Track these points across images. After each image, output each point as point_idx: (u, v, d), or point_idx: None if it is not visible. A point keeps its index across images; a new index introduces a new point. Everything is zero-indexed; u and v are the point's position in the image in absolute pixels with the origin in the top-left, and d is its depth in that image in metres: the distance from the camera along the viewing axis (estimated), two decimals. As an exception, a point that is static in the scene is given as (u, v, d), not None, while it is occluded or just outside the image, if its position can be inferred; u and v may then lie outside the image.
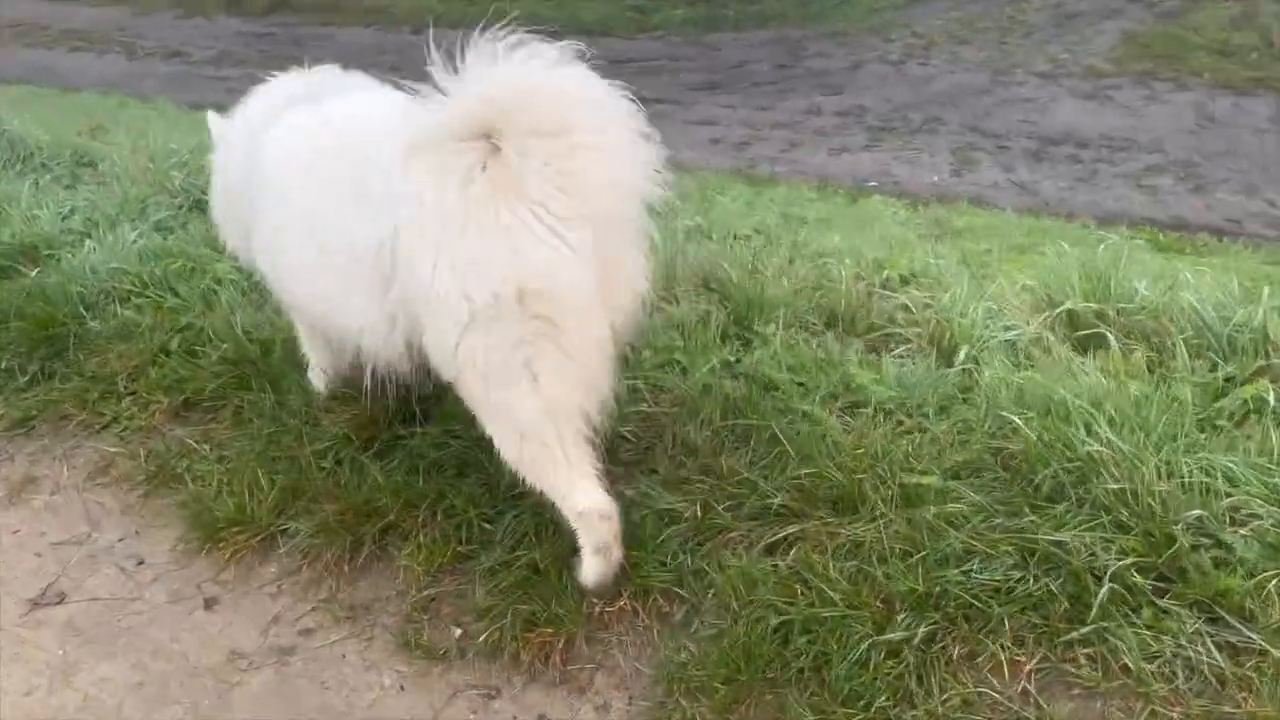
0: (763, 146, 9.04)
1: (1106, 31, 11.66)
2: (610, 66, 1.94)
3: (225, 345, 2.95)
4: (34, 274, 3.45)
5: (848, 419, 2.49)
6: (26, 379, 3.03)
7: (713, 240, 3.81)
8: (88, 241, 3.68)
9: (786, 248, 3.57)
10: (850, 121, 9.51)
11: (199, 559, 2.38)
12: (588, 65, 1.89)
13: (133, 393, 2.92)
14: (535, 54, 1.81)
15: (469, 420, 2.13)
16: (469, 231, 1.81)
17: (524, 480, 2.08)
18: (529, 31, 1.85)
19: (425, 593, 2.20)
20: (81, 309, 3.22)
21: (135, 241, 3.64)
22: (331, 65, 2.55)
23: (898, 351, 2.79)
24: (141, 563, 2.42)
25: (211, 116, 2.74)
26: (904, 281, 3.21)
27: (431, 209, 1.83)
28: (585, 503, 2.01)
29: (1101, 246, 3.40)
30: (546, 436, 1.94)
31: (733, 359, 2.74)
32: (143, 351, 3.02)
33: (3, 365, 3.06)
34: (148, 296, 3.28)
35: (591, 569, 2.07)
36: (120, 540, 2.49)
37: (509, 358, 1.86)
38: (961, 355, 2.70)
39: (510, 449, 2.02)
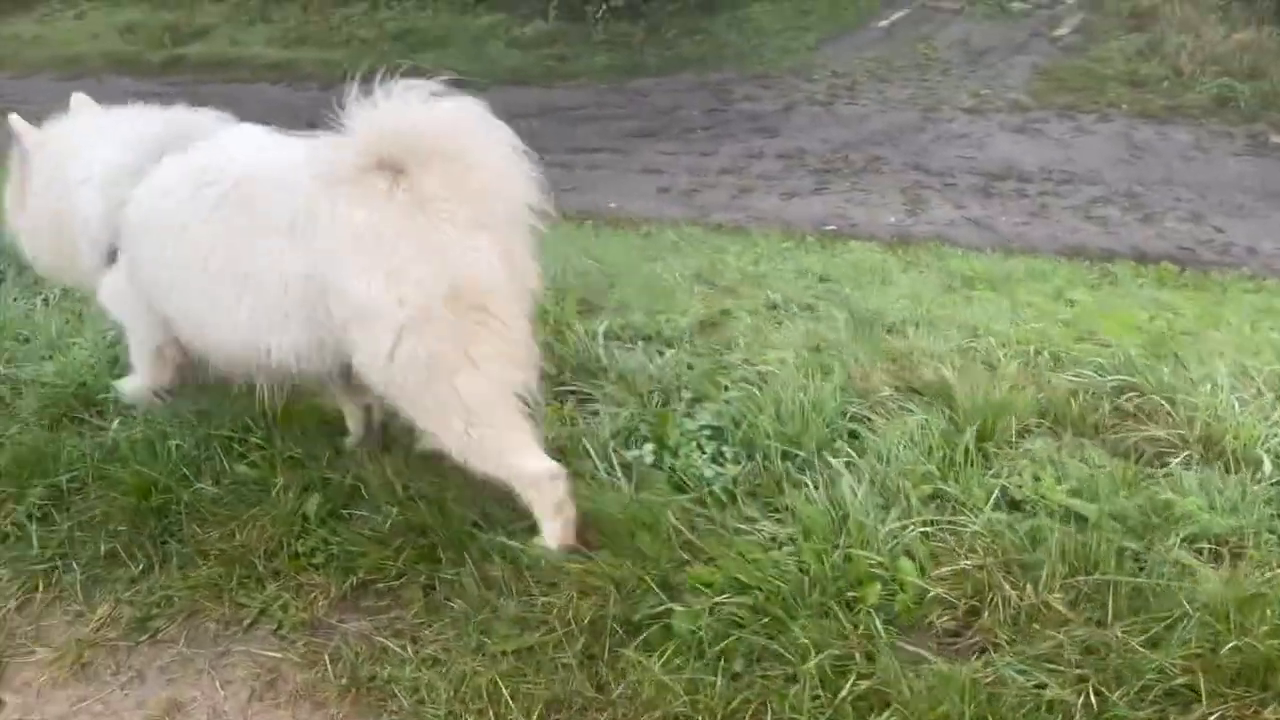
0: (712, 194, 8.84)
1: (1018, 66, 11.97)
2: (538, 116, 1.79)
3: (391, 509, 2.31)
4: (114, 426, 2.72)
5: (1196, 559, 2.07)
6: (140, 566, 2.31)
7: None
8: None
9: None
10: (794, 164, 9.41)
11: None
12: (513, 114, 2.18)
13: (277, 574, 2.27)
14: (427, 92, 2.06)
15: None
16: (397, 246, 2.04)
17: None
18: (451, 81, 2.11)
19: None
20: (183, 467, 2.52)
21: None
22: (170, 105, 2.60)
23: (1178, 460, 2.36)
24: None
25: (17, 120, 2.63)
26: (1074, 362, 2.83)
27: (356, 231, 2.04)
28: (536, 467, 2.19)
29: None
30: (494, 416, 2.13)
31: (1008, 485, 2.25)
32: (275, 519, 2.36)
33: (102, 550, 2.33)
34: (259, 443, 2.58)
35: (552, 531, 2.22)
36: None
37: (449, 351, 2.06)
38: (1268, 465, 2.29)
39: (456, 438, 2.17)
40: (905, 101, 10.98)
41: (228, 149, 2.37)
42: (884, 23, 13.97)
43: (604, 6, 12.74)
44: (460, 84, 2.06)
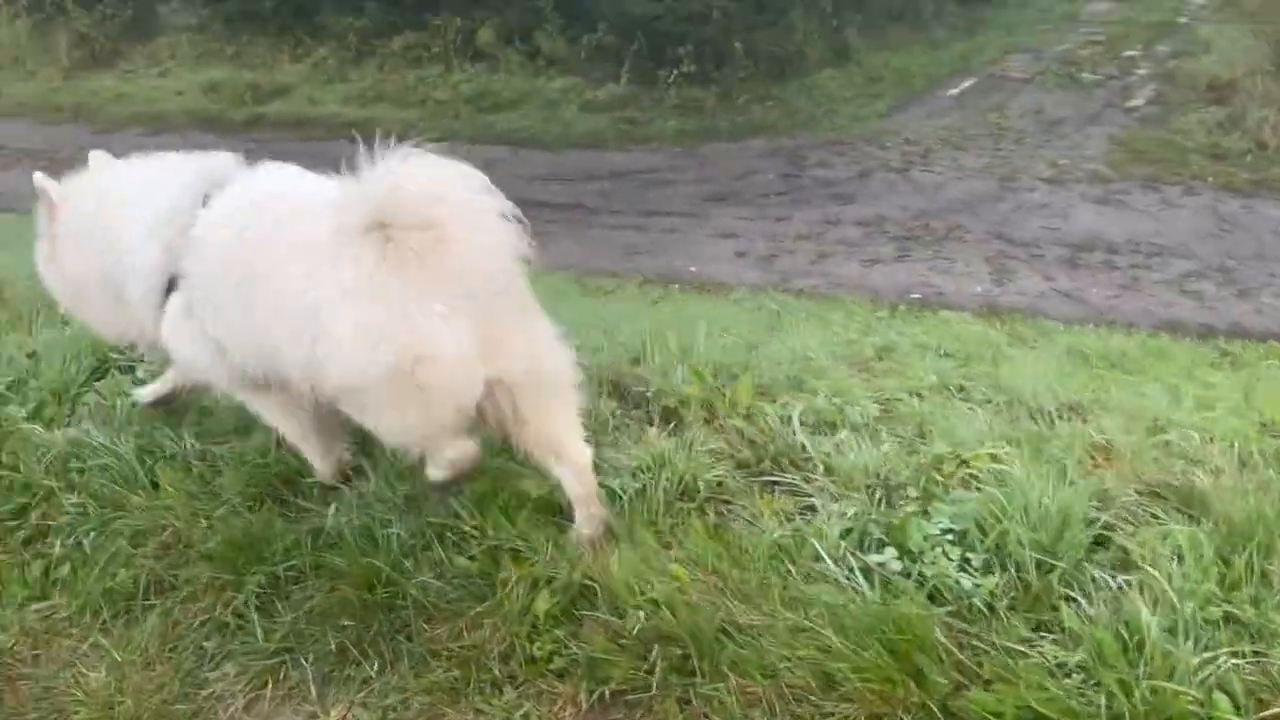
0: (790, 259, 8.79)
1: (1093, 137, 11.88)
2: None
3: (636, 612, 2.15)
4: (330, 512, 2.59)
5: None
6: (374, 665, 2.19)
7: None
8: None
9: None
10: (873, 231, 9.35)
11: None
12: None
13: (513, 678, 2.13)
14: (419, 158, 2.14)
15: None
16: (368, 306, 2.18)
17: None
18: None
19: None
20: (403, 558, 2.41)
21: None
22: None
23: None
24: None
25: (42, 178, 2.75)
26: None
27: (342, 287, 2.18)
28: (452, 453, 2.40)
29: None
30: (436, 435, 2.35)
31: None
32: (505, 618, 2.23)
33: (332, 645, 2.23)
34: (473, 533, 2.46)
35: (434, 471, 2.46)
36: None
37: (399, 407, 2.25)
38: None
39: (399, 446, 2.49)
40: (981, 170, 10.92)
41: (268, 186, 2.56)
42: (954, 91, 13.99)
43: (675, 72, 12.89)
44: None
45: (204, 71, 15.32)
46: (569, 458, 2.44)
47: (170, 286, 2.56)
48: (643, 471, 2.60)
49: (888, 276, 8.32)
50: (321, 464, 2.75)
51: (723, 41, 12.90)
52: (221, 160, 2.70)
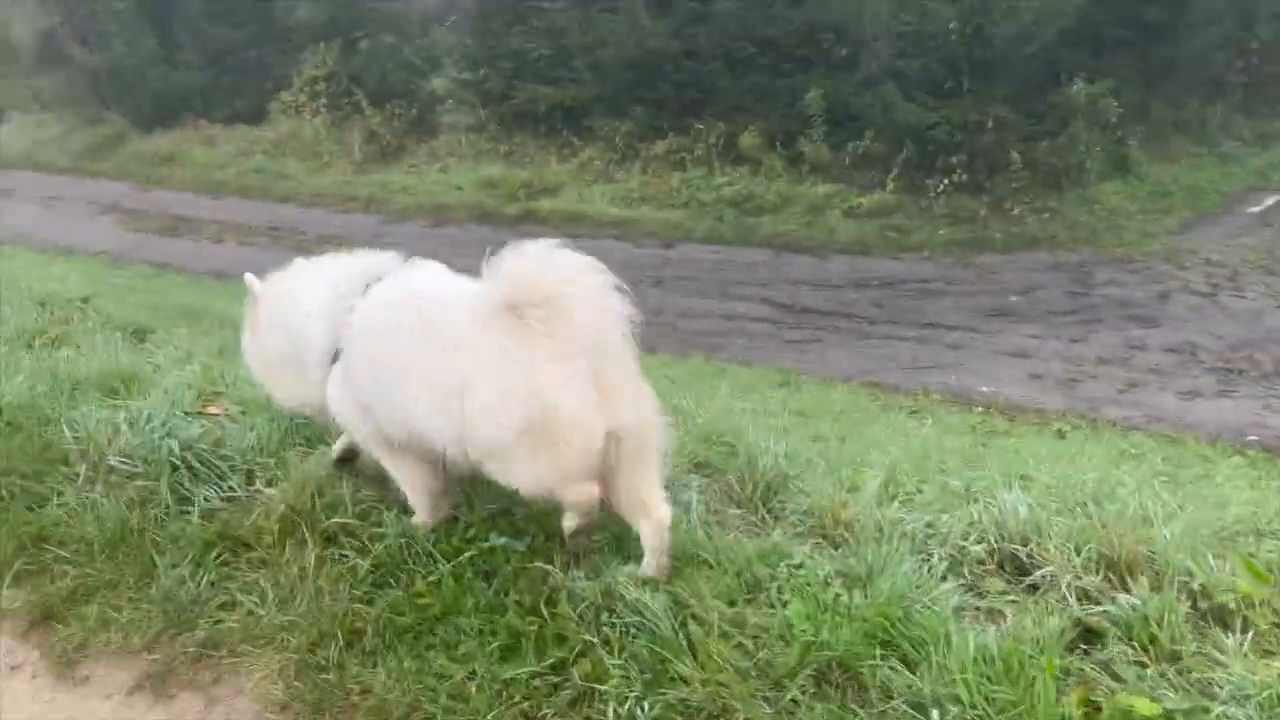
0: (1094, 385, 8.16)
1: None
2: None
3: None
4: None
5: None
6: None
7: None
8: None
9: None
10: (1185, 360, 8.56)
11: None
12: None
13: None
14: (542, 248, 2.59)
15: None
16: (509, 369, 2.59)
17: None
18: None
19: None
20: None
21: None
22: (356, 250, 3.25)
23: None
24: None
25: (251, 278, 3.34)
26: None
27: (484, 355, 2.63)
28: (573, 494, 2.68)
29: None
30: (567, 485, 2.66)
31: None
32: None
33: None
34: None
35: (569, 521, 2.75)
36: None
37: (533, 458, 2.62)
38: None
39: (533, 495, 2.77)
40: (1304, 297, 9.87)
41: (418, 282, 3.02)
42: (1256, 209, 12.89)
43: (946, 181, 12.58)
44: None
45: (480, 168, 16.44)
46: (653, 512, 2.70)
47: (335, 359, 3.06)
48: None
49: (1212, 413, 7.52)
50: (428, 516, 3.09)
51: (998, 151, 12.48)
52: (383, 258, 3.20)
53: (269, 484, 3.35)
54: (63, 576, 2.97)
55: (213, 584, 2.87)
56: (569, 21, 16.46)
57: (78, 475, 3.38)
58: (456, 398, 2.67)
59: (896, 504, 3.18)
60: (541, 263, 2.60)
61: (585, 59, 16.14)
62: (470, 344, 2.67)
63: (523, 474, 2.66)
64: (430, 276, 3.08)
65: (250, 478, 3.39)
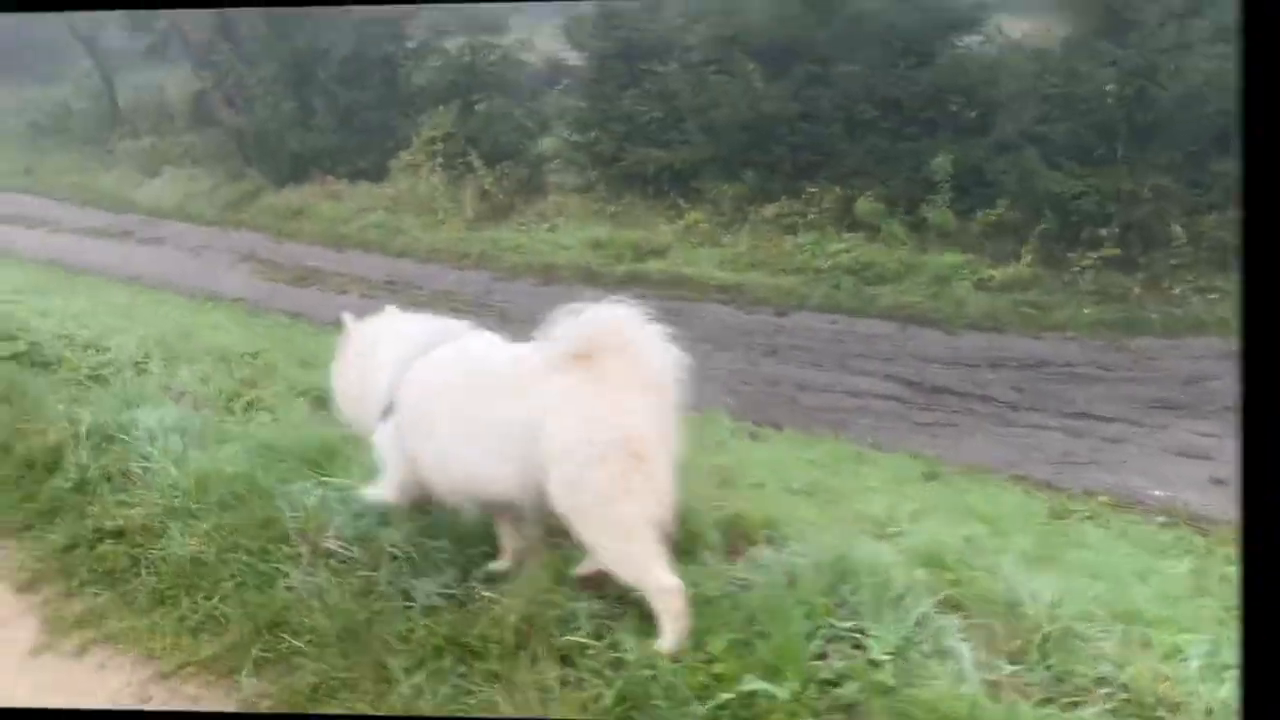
0: (1291, 495, 6.84)
1: None
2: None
3: None
4: None
5: None
6: None
7: None
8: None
9: None
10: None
11: None
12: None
13: None
14: (611, 306, 3.10)
15: None
16: (586, 404, 3.00)
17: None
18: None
19: None
20: None
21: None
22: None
23: None
24: None
25: (348, 316, 3.84)
26: None
27: (560, 393, 3.03)
28: (668, 581, 2.99)
29: None
30: (640, 536, 2.96)
31: None
32: None
33: None
34: None
35: (669, 635, 2.98)
36: None
37: (616, 481, 2.94)
38: None
39: (612, 552, 3.05)
40: None
41: (474, 346, 3.46)
42: None
43: (1094, 255, 11.39)
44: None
45: (589, 229, 16.03)
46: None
47: (388, 410, 3.46)
48: None
49: None
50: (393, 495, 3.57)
51: (1156, 223, 11.25)
52: (451, 323, 3.63)
53: (485, 581, 3.34)
54: (301, 669, 3.03)
55: (450, 696, 2.87)
56: (682, 84, 16.10)
57: (299, 555, 3.47)
58: (527, 442, 3.03)
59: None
60: (610, 312, 3.05)
61: (697, 120, 15.69)
62: (539, 388, 3.06)
63: (604, 518, 2.95)
64: (487, 342, 3.53)
65: (466, 574, 3.39)
